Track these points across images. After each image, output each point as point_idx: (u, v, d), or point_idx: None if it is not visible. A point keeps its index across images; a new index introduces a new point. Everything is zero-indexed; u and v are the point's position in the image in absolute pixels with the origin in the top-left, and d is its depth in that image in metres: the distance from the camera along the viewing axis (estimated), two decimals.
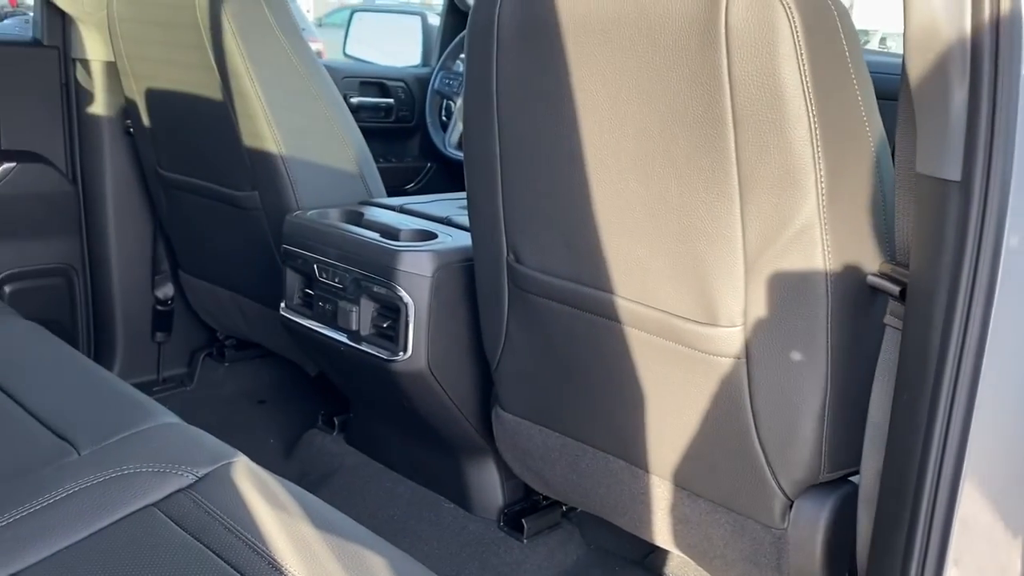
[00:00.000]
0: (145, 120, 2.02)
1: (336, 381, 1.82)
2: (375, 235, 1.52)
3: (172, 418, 1.17)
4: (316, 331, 1.61)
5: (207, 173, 1.92)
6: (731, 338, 1.09)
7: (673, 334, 1.15)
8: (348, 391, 1.84)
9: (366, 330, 1.53)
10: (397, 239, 1.54)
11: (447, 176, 2.91)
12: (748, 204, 1.02)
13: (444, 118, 2.83)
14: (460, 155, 2.63)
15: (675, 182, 1.07)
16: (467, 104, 1.29)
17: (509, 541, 1.62)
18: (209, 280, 2.14)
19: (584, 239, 1.20)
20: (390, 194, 2.78)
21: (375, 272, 1.47)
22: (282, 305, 1.69)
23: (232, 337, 2.38)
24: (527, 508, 1.66)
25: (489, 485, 1.67)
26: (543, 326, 1.33)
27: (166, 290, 2.33)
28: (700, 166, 1.03)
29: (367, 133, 2.88)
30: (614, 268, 1.18)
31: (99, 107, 2.12)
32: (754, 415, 1.12)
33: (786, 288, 1.04)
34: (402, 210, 1.71)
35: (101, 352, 2.30)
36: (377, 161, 2.81)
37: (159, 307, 2.32)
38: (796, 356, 1.07)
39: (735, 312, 1.08)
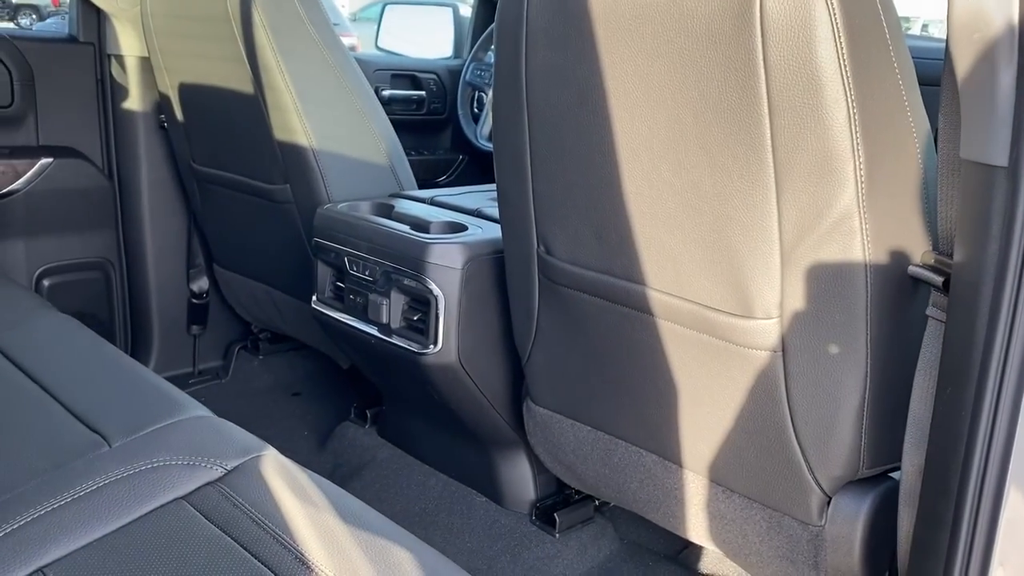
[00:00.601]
0: (179, 114, 2.03)
1: (368, 374, 1.81)
2: (405, 228, 1.51)
3: (203, 411, 1.18)
4: (347, 324, 1.61)
5: (240, 167, 1.93)
6: (767, 331, 1.07)
7: (707, 326, 1.12)
8: (380, 384, 1.84)
9: (396, 323, 1.52)
10: (427, 231, 1.53)
11: (479, 168, 2.89)
12: (784, 192, 0.99)
13: (476, 110, 2.82)
14: (492, 147, 2.62)
15: (709, 171, 1.04)
16: (496, 96, 1.28)
17: (541, 535, 1.61)
18: (243, 273, 2.15)
19: (615, 230, 1.18)
20: (421, 187, 2.79)
21: (405, 265, 1.46)
22: (313, 298, 1.69)
23: (266, 330, 2.39)
24: (559, 502, 1.65)
25: (521, 479, 1.65)
26: (574, 319, 1.31)
27: (201, 283, 2.34)
28: (735, 154, 1.01)
29: (399, 126, 2.88)
30: (646, 259, 1.16)
31: (134, 102, 2.14)
32: (791, 410, 1.09)
33: (824, 279, 1.01)
34: (432, 202, 1.70)
35: (138, 345, 2.32)
36: (408, 154, 2.81)
37: (194, 300, 2.33)
38: (834, 349, 1.04)
39: (771, 304, 1.05)
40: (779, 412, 1.10)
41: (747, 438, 1.15)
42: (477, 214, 1.61)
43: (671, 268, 1.14)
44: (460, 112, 2.76)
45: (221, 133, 1.93)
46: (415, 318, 1.50)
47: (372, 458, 1.86)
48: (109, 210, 2.22)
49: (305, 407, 2.24)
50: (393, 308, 1.51)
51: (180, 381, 2.35)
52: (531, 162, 1.26)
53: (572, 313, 1.31)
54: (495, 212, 1.59)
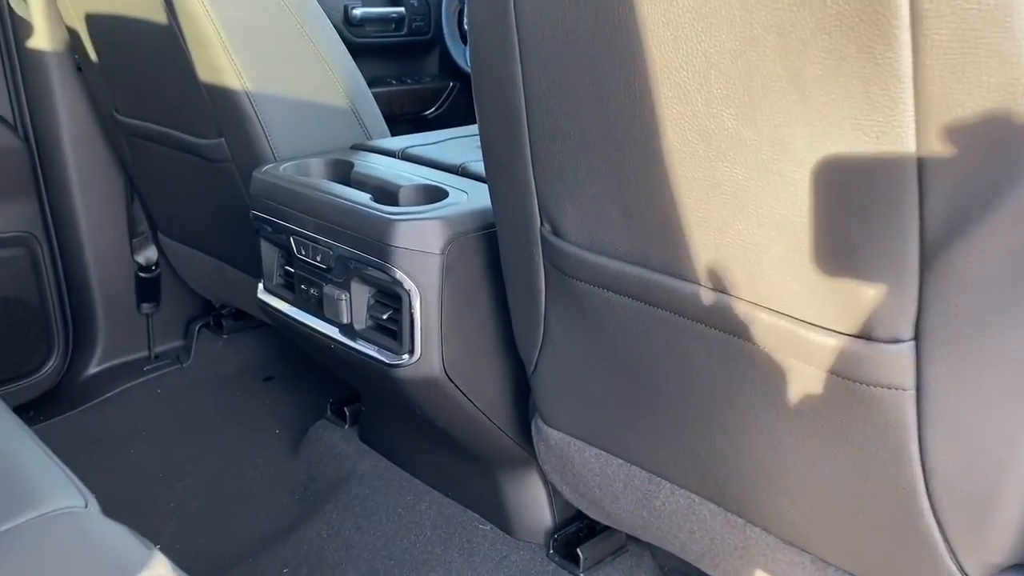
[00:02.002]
0: (92, 54, 1.63)
1: (339, 375, 1.46)
2: (364, 197, 1.14)
3: (75, 500, 0.82)
4: (298, 322, 1.25)
5: (166, 117, 1.55)
6: (893, 360, 0.70)
7: (796, 348, 0.76)
8: (357, 386, 1.49)
9: (360, 323, 1.16)
10: (394, 201, 1.15)
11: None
12: (931, 154, 0.61)
13: (465, 27, 2.40)
14: None
15: (802, 119, 0.66)
16: (473, 18, 0.89)
17: (562, 574, 1.28)
18: (189, 244, 1.79)
19: (653, 205, 0.81)
20: (409, 121, 2.38)
21: (365, 249, 1.09)
22: (259, 285, 1.33)
23: (229, 305, 2.04)
24: (583, 530, 1.31)
25: (534, 503, 1.32)
26: (594, 322, 0.95)
27: (148, 254, 1.98)
28: (847, 92, 0.62)
29: (376, 51, 2.46)
30: (699, 247, 0.79)
31: (42, 40, 1.74)
32: (925, 471, 0.73)
33: (993, 288, 0.64)
34: (403, 156, 1.32)
35: (80, 331, 1.98)
36: (389, 83, 2.42)
37: (142, 274, 1.98)
38: (1002, 390, 0.67)
39: (901, 322, 0.68)
40: (907, 474, 0.74)
41: (854, 503, 0.80)
42: (461, 172, 1.23)
43: (739, 260, 0.76)
44: (446, 31, 2.34)
45: (141, 76, 1.54)
46: (384, 316, 1.13)
47: (352, 471, 1.52)
48: (27, 175, 1.84)
49: (278, 396, 1.90)
50: (355, 304, 1.15)
51: (135, 367, 2.02)
52: (527, 108, 0.88)
53: (590, 315, 0.95)
54: (478, 165, 1.21)
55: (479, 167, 1.22)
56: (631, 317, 0.90)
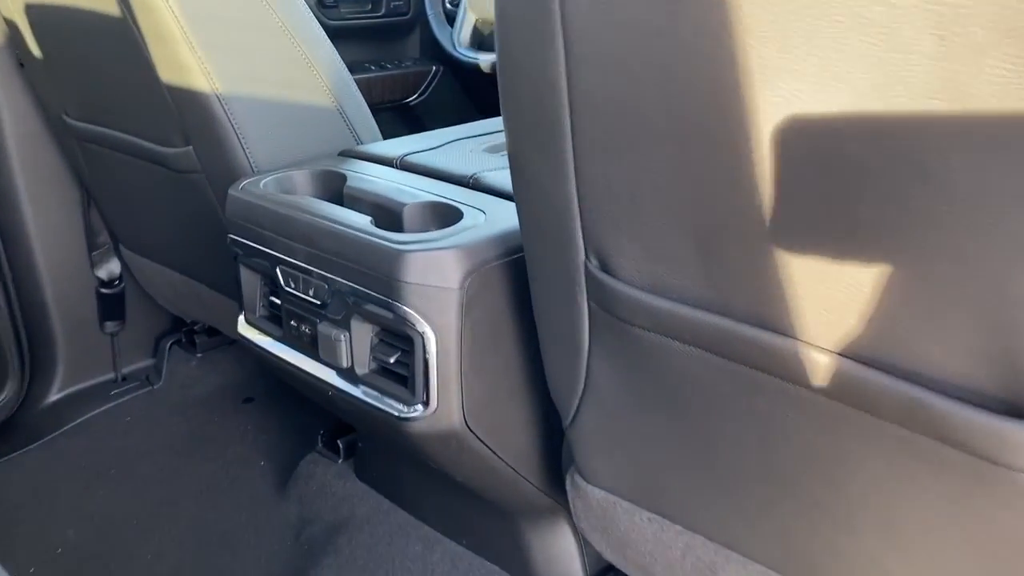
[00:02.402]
0: (34, 49, 1.43)
1: (334, 413, 1.29)
2: (363, 221, 0.96)
3: None
4: (287, 362, 1.08)
5: (124, 122, 1.36)
6: None
7: (938, 425, 0.60)
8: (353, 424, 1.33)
9: (363, 367, 0.99)
10: (398, 223, 0.99)
11: (460, 81, 2.31)
12: None
13: (450, 5, 2.22)
14: (474, 56, 2.03)
15: (943, 123, 0.50)
16: (503, 8, 0.72)
17: None
18: (155, 259, 1.60)
19: (742, 242, 0.65)
20: (390, 110, 2.19)
21: (368, 284, 0.92)
22: (240, 318, 1.16)
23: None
24: None
25: (563, 555, 1.16)
26: (653, 374, 0.79)
27: (111, 268, 1.79)
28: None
29: (352, 34, 2.25)
30: (807, 296, 0.63)
31: None
32: None
33: None
34: (403, 165, 1.15)
35: (36, 353, 1.79)
36: (368, 69, 2.22)
37: (104, 290, 1.79)
38: None
39: None
40: None
41: None
42: (473, 184, 1.06)
43: (864, 316, 0.61)
44: (430, 11, 2.16)
45: (92, 75, 1.35)
46: (391, 360, 0.97)
47: (351, 514, 1.36)
48: None
49: (260, 421, 1.73)
50: (356, 345, 0.98)
51: (100, 391, 1.83)
52: (572, 119, 0.71)
53: (647, 365, 0.79)
54: (500, 176, 1.05)
55: (494, 178, 1.05)
56: (703, 372, 0.74)
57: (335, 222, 0.96)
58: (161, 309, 1.83)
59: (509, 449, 1.02)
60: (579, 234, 0.78)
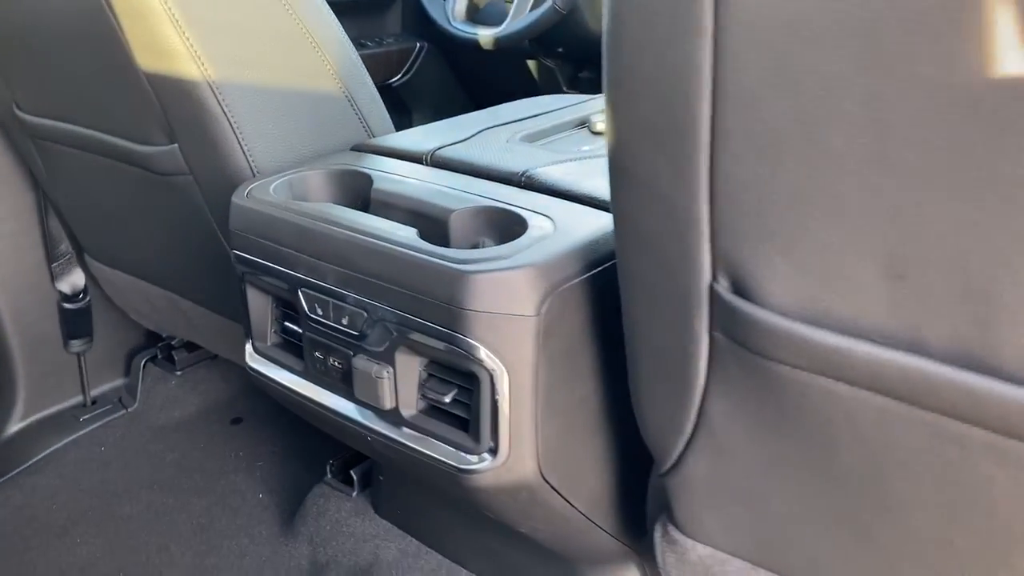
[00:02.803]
0: None
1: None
2: (408, 233, 0.79)
3: None
4: (312, 401, 0.91)
5: (91, 117, 1.16)
6: None
7: None
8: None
9: (410, 408, 0.83)
10: (443, 235, 0.82)
11: (449, 60, 2.13)
12: None
13: None
14: (471, 31, 1.85)
15: None
16: None
17: None
18: (129, 272, 1.41)
19: (952, 261, 0.50)
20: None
21: (420, 312, 0.76)
22: (248, 348, 0.98)
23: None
24: None
25: None
26: (801, 421, 0.64)
27: (74, 280, 1.59)
28: None
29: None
30: None
31: None
32: None
33: None
34: (434, 162, 0.98)
35: None
36: None
37: (67, 304, 1.59)
38: None
39: None
40: None
41: None
42: (526, 183, 0.90)
43: None
44: None
45: (50, 62, 1.15)
46: (446, 398, 0.80)
47: (375, 558, 1.20)
48: None
49: (252, 444, 1.55)
50: (402, 382, 0.81)
51: (68, 418, 1.64)
52: (714, 113, 0.55)
53: (795, 411, 0.64)
54: (558, 172, 0.89)
55: (550, 175, 0.89)
56: (877, 420, 0.59)
57: (374, 236, 0.79)
58: (133, 322, 1.63)
59: (583, 496, 0.87)
60: (706, 249, 0.62)
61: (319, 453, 1.47)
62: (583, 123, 1.14)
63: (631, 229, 0.67)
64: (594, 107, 1.18)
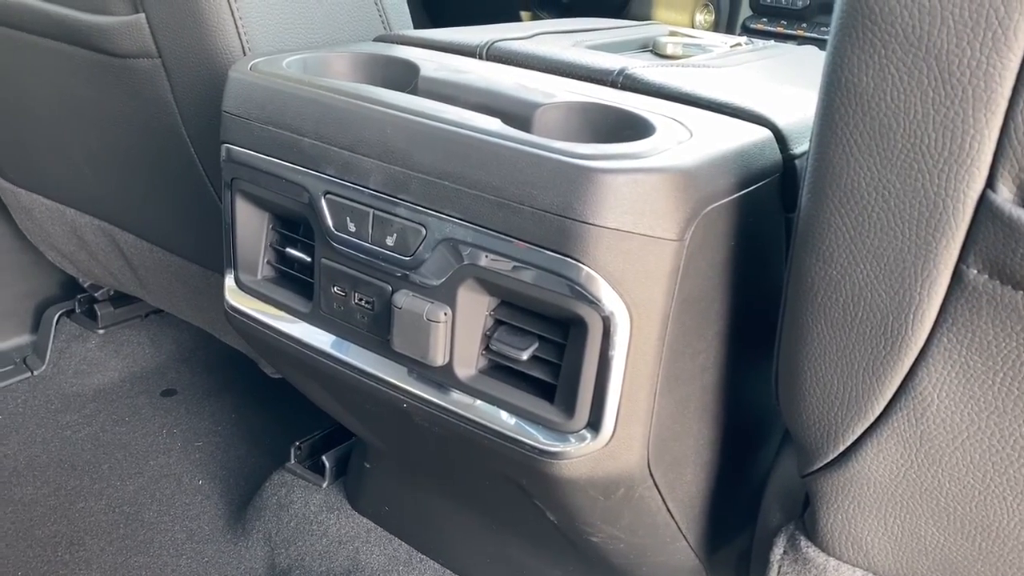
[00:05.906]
0: None
1: (354, 426, 0.89)
2: (491, 121, 0.57)
3: None
4: (320, 354, 0.67)
5: None
6: None
7: None
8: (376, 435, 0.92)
9: (468, 367, 0.60)
10: (526, 127, 0.61)
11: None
12: None
13: None
14: None
15: None
16: None
17: None
18: (53, 197, 1.14)
19: None
20: None
21: (511, 230, 0.54)
22: (228, 283, 0.74)
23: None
24: None
25: None
26: None
27: None
28: None
29: None
30: None
31: None
32: None
33: None
34: (492, 55, 0.76)
35: None
36: None
37: None
38: None
39: None
40: None
41: None
42: (624, 83, 0.69)
43: None
44: None
45: None
46: (524, 354, 0.58)
47: (353, 564, 0.96)
48: None
49: (188, 423, 1.29)
50: (461, 331, 0.59)
51: None
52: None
53: None
54: (669, 75, 0.68)
55: (659, 77, 0.68)
56: None
57: (447, 123, 0.56)
58: (47, 266, 1.35)
59: (678, 497, 0.66)
60: (990, 140, 0.43)
61: (275, 435, 1.23)
62: (646, 46, 0.94)
63: (853, 111, 0.47)
64: (654, 32, 0.98)
